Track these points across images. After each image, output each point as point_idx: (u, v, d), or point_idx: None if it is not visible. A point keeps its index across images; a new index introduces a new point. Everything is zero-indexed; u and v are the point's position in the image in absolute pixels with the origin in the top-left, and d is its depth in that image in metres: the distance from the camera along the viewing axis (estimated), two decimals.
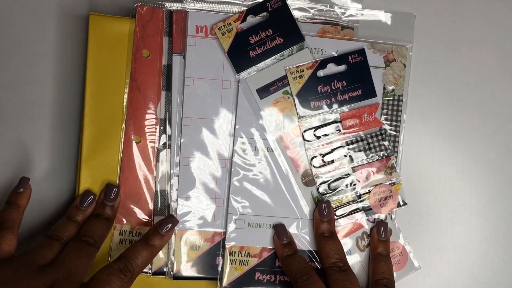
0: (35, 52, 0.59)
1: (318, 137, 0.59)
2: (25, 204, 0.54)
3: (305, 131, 0.58)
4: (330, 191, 0.59)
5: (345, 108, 0.59)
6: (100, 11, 0.58)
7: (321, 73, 0.59)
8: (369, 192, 0.59)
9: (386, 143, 0.59)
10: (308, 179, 0.59)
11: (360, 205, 0.59)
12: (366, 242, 0.59)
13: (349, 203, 0.59)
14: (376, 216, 0.59)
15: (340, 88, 0.59)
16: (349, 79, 0.59)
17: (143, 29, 0.57)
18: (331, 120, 0.59)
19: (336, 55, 0.59)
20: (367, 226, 0.59)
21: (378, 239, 0.58)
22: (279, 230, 0.57)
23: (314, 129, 0.58)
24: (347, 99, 0.59)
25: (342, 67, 0.59)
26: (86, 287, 0.49)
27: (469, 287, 0.63)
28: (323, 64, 0.58)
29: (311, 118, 0.58)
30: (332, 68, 0.59)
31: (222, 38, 0.57)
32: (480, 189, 0.63)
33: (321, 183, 0.59)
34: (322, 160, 0.59)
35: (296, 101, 0.58)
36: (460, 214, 0.63)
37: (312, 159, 0.58)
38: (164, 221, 0.53)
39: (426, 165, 0.63)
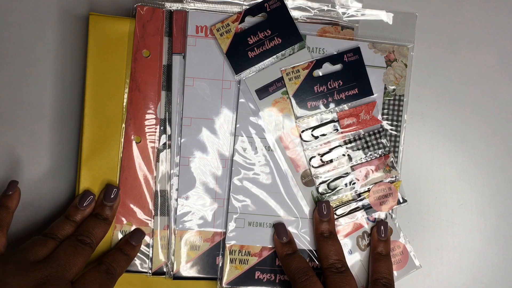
0: (35, 52, 0.59)
1: (316, 137, 0.59)
2: (15, 206, 0.54)
3: (302, 131, 0.58)
4: (330, 191, 0.59)
5: (342, 107, 0.59)
6: (100, 11, 0.58)
7: (319, 72, 0.59)
8: (368, 190, 0.59)
9: (384, 141, 0.59)
10: (308, 179, 0.59)
11: (360, 203, 0.59)
12: (366, 241, 0.59)
13: (349, 202, 0.59)
14: (376, 215, 0.59)
15: (337, 87, 0.58)
16: (345, 78, 0.59)
17: (143, 29, 0.57)
18: (328, 120, 0.59)
19: (335, 53, 0.59)
20: (367, 226, 0.60)
21: (378, 238, 0.58)
22: (279, 229, 0.58)
23: (311, 129, 0.58)
24: (344, 98, 0.59)
25: (337, 67, 0.59)
26: (76, 285, 0.49)
27: (469, 287, 0.63)
28: (318, 64, 0.58)
29: (308, 118, 0.58)
30: (328, 68, 0.59)
31: (220, 39, 0.57)
32: (480, 189, 0.63)
33: (320, 183, 0.59)
34: (321, 160, 0.59)
35: (293, 101, 0.58)
36: (460, 214, 0.63)
37: (310, 159, 0.58)
38: (134, 234, 0.57)
39: (426, 165, 0.63)
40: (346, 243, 0.59)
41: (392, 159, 0.59)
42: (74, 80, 0.59)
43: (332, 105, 0.59)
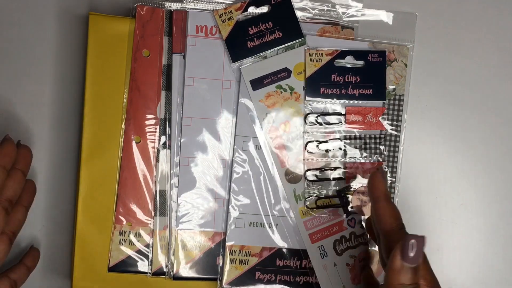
0: (35, 52, 0.59)
1: (320, 124, 0.58)
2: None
3: (308, 113, 0.58)
4: (317, 180, 0.58)
5: (352, 103, 0.59)
6: (100, 11, 0.58)
7: (339, 62, 0.59)
8: (353, 190, 0.59)
9: (382, 147, 0.59)
10: (291, 176, 0.59)
11: (341, 201, 0.59)
12: (344, 246, 0.58)
13: (331, 197, 0.59)
14: (356, 217, 0.59)
15: (353, 82, 0.59)
16: (363, 76, 0.59)
17: (143, 29, 0.57)
18: (335, 111, 0.59)
19: (361, 49, 0.59)
20: (346, 230, 0.59)
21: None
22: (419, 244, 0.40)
23: (317, 115, 0.58)
24: (357, 95, 0.59)
25: (360, 62, 0.59)
26: None
27: (469, 287, 0.63)
28: (342, 54, 0.59)
29: (317, 103, 0.58)
30: (350, 61, 0.59)
31: (221, 25, 0.57)
32: (480, 189, 0.63)
33: (309, 170, 0.58)
34: (317, 147, 0.58)
35: (308, 83, 0.58)
36: (460, 214, 0.63)
37: (307, 143, 0.58)
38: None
39: (426, 165, 0.62)
40: (323, 245, 0.58)
41: (384, 167, 0.59)
42: (74, 80, 0.59)
43: (343, 98, 0.59)
